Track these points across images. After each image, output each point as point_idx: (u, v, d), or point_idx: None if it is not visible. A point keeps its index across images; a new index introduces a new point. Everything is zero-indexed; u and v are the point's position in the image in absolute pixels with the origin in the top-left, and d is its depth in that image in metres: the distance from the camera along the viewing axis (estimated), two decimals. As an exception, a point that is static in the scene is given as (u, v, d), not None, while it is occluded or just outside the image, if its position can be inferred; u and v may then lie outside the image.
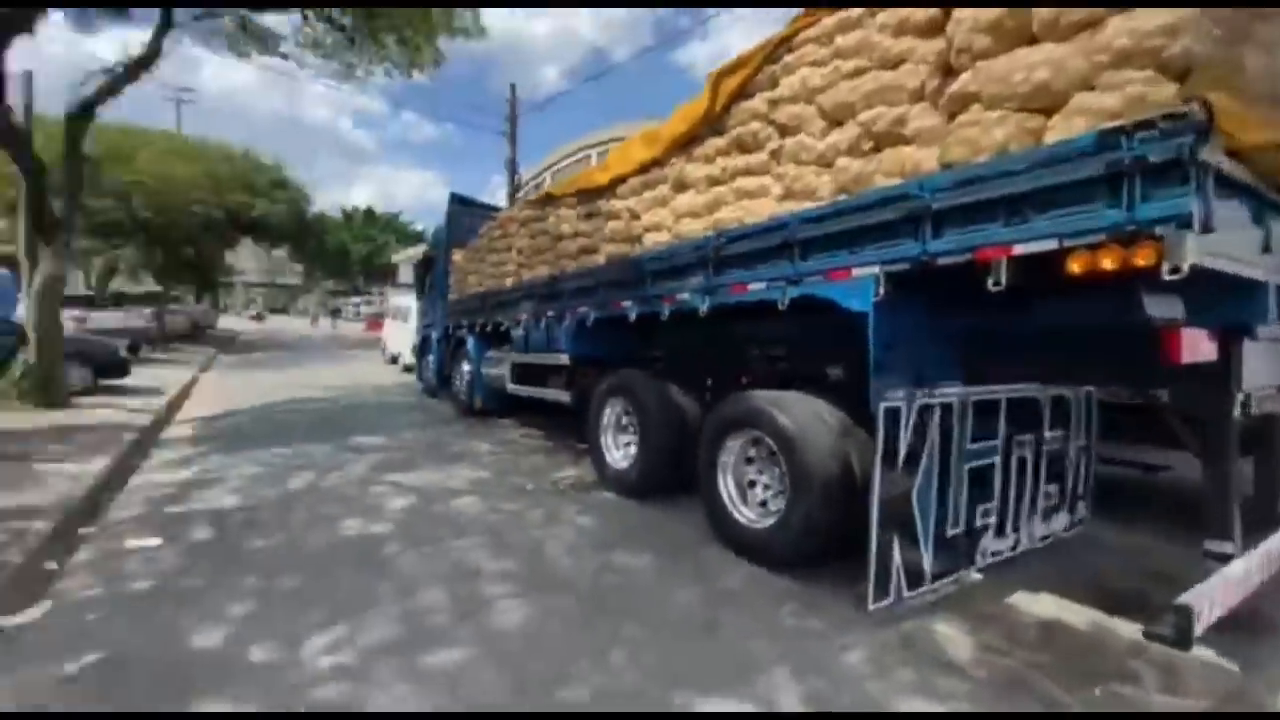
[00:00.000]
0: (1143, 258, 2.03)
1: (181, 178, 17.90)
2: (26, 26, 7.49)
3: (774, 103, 3.59)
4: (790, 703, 2.40)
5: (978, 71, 2.56)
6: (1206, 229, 2.00)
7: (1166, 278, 1.98)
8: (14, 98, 8.86)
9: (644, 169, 4.70)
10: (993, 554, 3.35)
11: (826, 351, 3.96)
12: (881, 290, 2.92)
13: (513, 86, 18.24)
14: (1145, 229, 2.03)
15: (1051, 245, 2.27)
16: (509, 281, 7.11)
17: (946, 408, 3.03)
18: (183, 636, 2.80)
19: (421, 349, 11.31)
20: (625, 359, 5.42)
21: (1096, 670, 2.63)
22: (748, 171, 3.79)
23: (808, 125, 3.38)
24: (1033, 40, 2.42)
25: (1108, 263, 2.11)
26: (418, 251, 17.27)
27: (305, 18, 10.68)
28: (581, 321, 5.40)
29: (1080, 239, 2.20)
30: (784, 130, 3.55)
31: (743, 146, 3.82)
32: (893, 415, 2.84)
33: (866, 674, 2.61)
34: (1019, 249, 2.38)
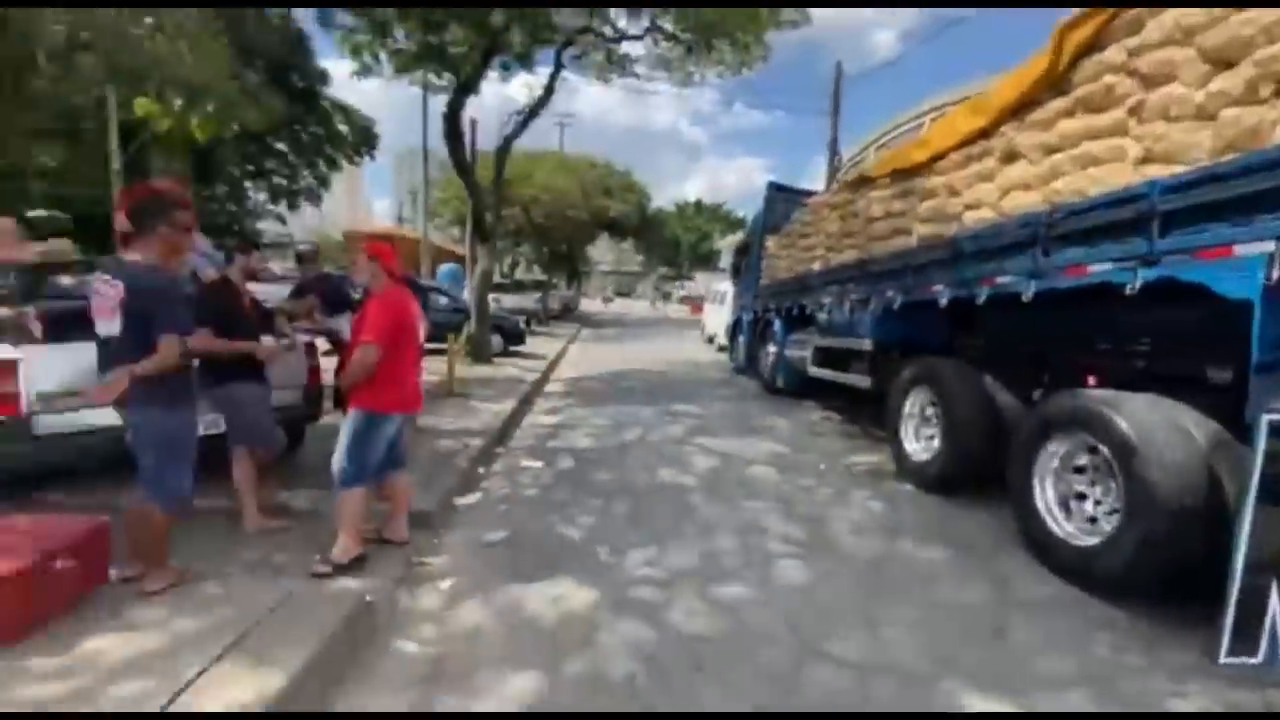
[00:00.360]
0: None
1: (562, 189, 22.57)
2: (475, 89, 10.48)
3: (1135, 51, 2.99)
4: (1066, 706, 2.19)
5: None
6: None
7: None
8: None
9: (968, 141, 4.35)
10: None
11: (1197, 348, 3.20)
12: (1276, 273, 2.28)
13: (838, 65, 17.80)
14: None
15: None
16: (816, 266, 7.27)
17: None
18: (554, 529, 3.89)
19: (734, 330, 12.21)
20: (933, 346, 5.13)
21: None
22: (1094, 135, 3.23)
23: (1183, 72, 2.75)
24: None
25: None
26: (737, 238, 18.40)
27: (655, 41, 12.36)
28: (888, 306, 5.28)
29: None
30: (1148, 82, 2.94)
31: (1091, 106, 3.27)
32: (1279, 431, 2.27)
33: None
34: None
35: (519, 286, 24.81)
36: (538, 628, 2.76)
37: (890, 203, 5.50)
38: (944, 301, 4.43)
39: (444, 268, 16.15)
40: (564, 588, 3.11)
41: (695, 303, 31.26)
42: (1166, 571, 2.81)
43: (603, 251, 62.33)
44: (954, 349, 5.04)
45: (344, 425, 3.15)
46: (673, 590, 3.12)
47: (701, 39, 11.36)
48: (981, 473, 4.29)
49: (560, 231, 25.38)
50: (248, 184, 23.09)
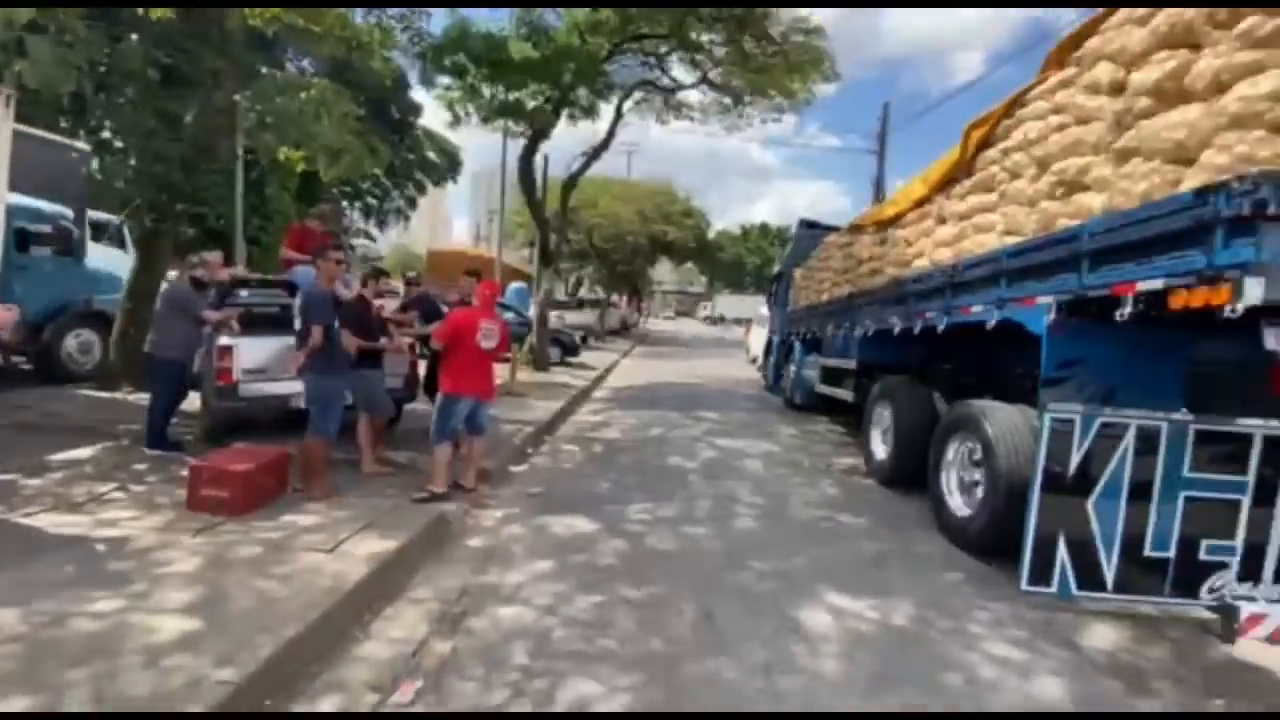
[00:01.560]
0: (1217, 298, 2.34)
1: (622, 215, 24.35)
2: (547, 136, 12.22)
3: (1005, 151, 4.11)
4: (897, 614, 3.30)
5: (1140, 129, 2.90)
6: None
7: (1228, 315, 2.28)
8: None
9: (917, 204, 5.48)
10: (1235, 597, 3.31)
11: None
12: (1053, 315, 3.37)
13: (886, 106, 18.72)
14: (1221, 272, 2.33)
15: (1162, 283, 2.62)
16: (824, 297, 8.39)
17: (1149, 430, 3.27)
18: (581, 487, 5.26)
19: (766, 351, 13.30)
20: (900, 367, 6.18)
21: (1244, 695, 2.70)
22: (984, 209, 4.34)
23: (1024, 171, 3.85)
24: (1186, 101, 2.71)
25: (1195, 300, 2.44)
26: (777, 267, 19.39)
27: (704, 92, 13.79)
28: (865, 332, 6.39)
29: (1182, 279, 2.53)
30: (1011, 175, 4.05)
31: (982, 188, 4.38)
32: (1063, 424, 3.31)
33: (985, 621, 3.26)
34: (1143, 286, 2.74)
35: (581, 304, 26.65)
36: (557, 539, 4.12)
37: (873, 248, 6.63)
38: (896, 330, 5.53)
39: (512, 286, 18.03)
40: (578, 520, 4.46)
41: (747, 325, 32.11)
42: (1007, 531, 3.83)
43: (665, 272, 64.01)
44: (914, 369, 6.07)
45: (435, 404, 4.65)
46: (654, 527, 4.41)
47: (746, 90, 12.71)
48: (920, 468, 5.32)
49: (620, 253, 27.15)
50: (344, 204, 26.01)
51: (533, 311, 14.00)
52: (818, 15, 11.24)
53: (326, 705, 2.37)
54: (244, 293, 6.21)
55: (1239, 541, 3.34)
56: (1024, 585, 3.44)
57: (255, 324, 5.31)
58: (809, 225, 11.44)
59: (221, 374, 4.90)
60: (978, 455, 4.18)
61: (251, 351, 5.05)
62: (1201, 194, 2.45)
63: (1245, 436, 3.27)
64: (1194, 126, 2.61)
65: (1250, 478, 3.30)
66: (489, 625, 2.99)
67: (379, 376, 5.05)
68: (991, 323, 4.01)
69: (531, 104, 11.11)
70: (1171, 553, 3.35)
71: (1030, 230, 3.75)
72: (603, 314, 25.12)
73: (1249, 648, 3.09)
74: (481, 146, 22.81)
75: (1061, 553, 3.43)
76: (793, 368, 10.34)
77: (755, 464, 6.45)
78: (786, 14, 10.93)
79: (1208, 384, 3.26)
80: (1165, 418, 3.25)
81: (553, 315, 15.15)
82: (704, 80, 12.90)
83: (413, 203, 27.43)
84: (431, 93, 11.70)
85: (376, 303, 5.35)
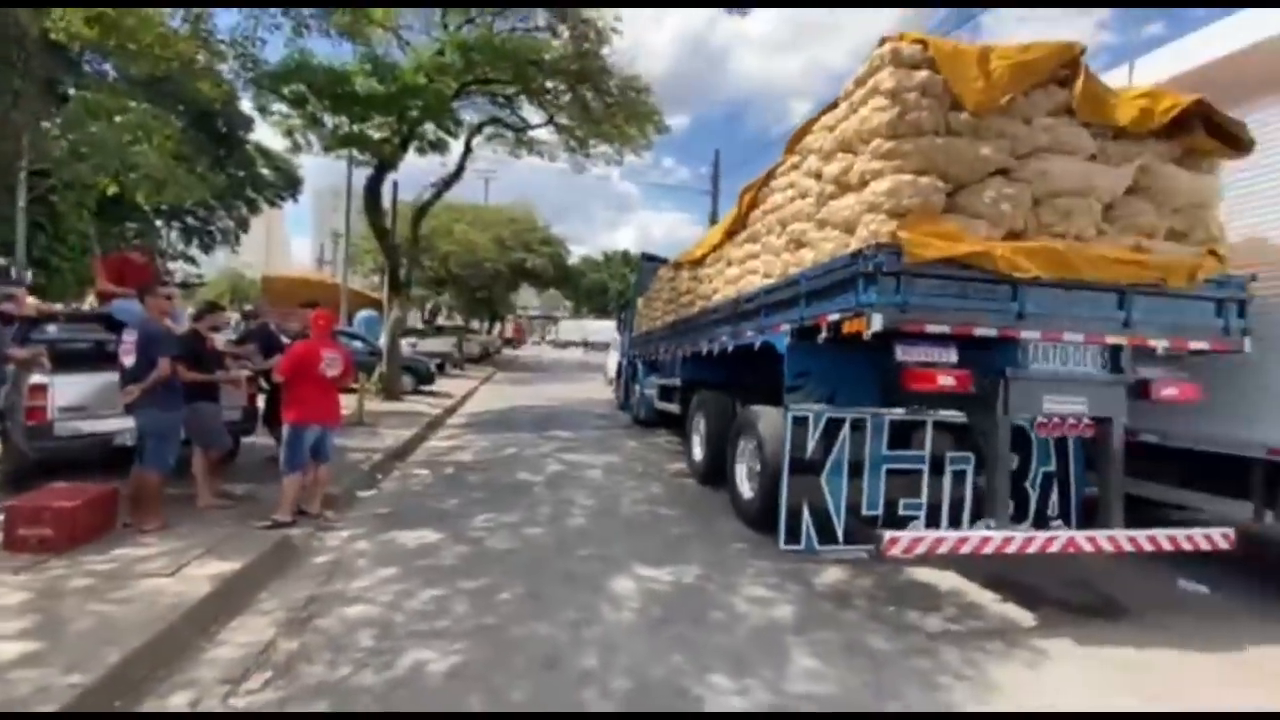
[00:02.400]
0: (861, 326, 3.49)
1: (478, 243, 24.53)
2: (393, 168, 12.36)
3: (764, 212, 5.34)
4: (687, 576, 4.18)
5: (829, 206, 4.11)
6: (903, 309, 3.40)
7: (865, 337, 3.43)
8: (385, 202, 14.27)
9: (715, 249, 6.67)
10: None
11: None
12: (788, 339, 4.51)
13: (717, 153, 20.93)
14: (862, 309, 3.50)
15: (836, 316, 3.78)
16: (658, 324, 9.49)
17: (858, 421, 4.43)
18: (429, 506, 5.66)
19: (618, 373, 14.32)
20: (709, 383, 7.32)
21: (911, 604, 3.87)
22: (753, 256, 5.55)
23: (774, 230, 5.07)
24: (848, 190, 3.94)
25: (851, 328, 3.59)
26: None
27: (558, 127, 14.63)
28: (684, 354, 7.47)
29: (846, 313, 3.69)
30: (767, 231, 5.27)
31: (752, 239, 5.60)
32: (800, 420, 4.39)
33: (751, 575, 4.24)
34: (829, 318, 3.90)
35: (439, 331, 26.19)
36: (402, 550, 4.54)
37: (690, 282, 7.78)
38: (704, 352, 6.62)
39: (361, 314, 17.50)
40: (423, 533, 4.90)
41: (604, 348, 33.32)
42: (774, 506, 4.89)
43: (530, 297, 64.04)
44: (721, 384, 7.22)
45: (284, 435, 4.85)
46: (494, 532, 4.97)
47: (590, 134, 13.79)
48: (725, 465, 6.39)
49: (477, 280, 27.21)
50: (159, 223, 23.21)
51: (384, 340, 13.83)
52: (645, 77, 12.51)
53: (178, 701, 2.68)
54: (51, 328, 5.88)
55: (924, 500, 4.64)
56: (781, 545, 4.45)
57: (70, 360, 5.13)
58: (649, 258, 12.65)
59: (33, 413, 4.71)
60: (755, 449, 5.28)
61: (68, 389, 4.90)
62: (853, 256, 3.62)
63: (921, 423, 4.59)
64: (853, 209, 3.81)
65: (927, 453, 4.62)
66: (336, 623, 3.40)
67: (215, 410, 5.12)
68: (757, 345, 5.15)
69: (377, 135, 11.25)
70: (880, 511, 4.56)
71: (777, 274, 4.93)
72: (461, 340, 24.94)
73: (928, 573, 4.36)
74: (322, 163, 21.89)
75: (806, 518, 4.50)
76: (637, 387, 11.36)
77: (596, 474, 7.22)
78: (619, 73, 12.19)
79: (891, 385, 4.52)
80: (869, 412, 4.46)
81: (405, 343, 15.02)
82: (551, 121, 13.80)
83: (244, 224, 25.22)
84: (268, 119, 11.41)
85: (211, 335, 5.41)
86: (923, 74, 3.64)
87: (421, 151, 12.26)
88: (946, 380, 3.62)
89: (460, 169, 13.57)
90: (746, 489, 5.46)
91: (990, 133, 3.72)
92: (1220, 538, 3.81)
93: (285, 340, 6.28)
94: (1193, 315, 3.96)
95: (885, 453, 4.52)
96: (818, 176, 4.32)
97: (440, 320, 31.50)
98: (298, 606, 3.57)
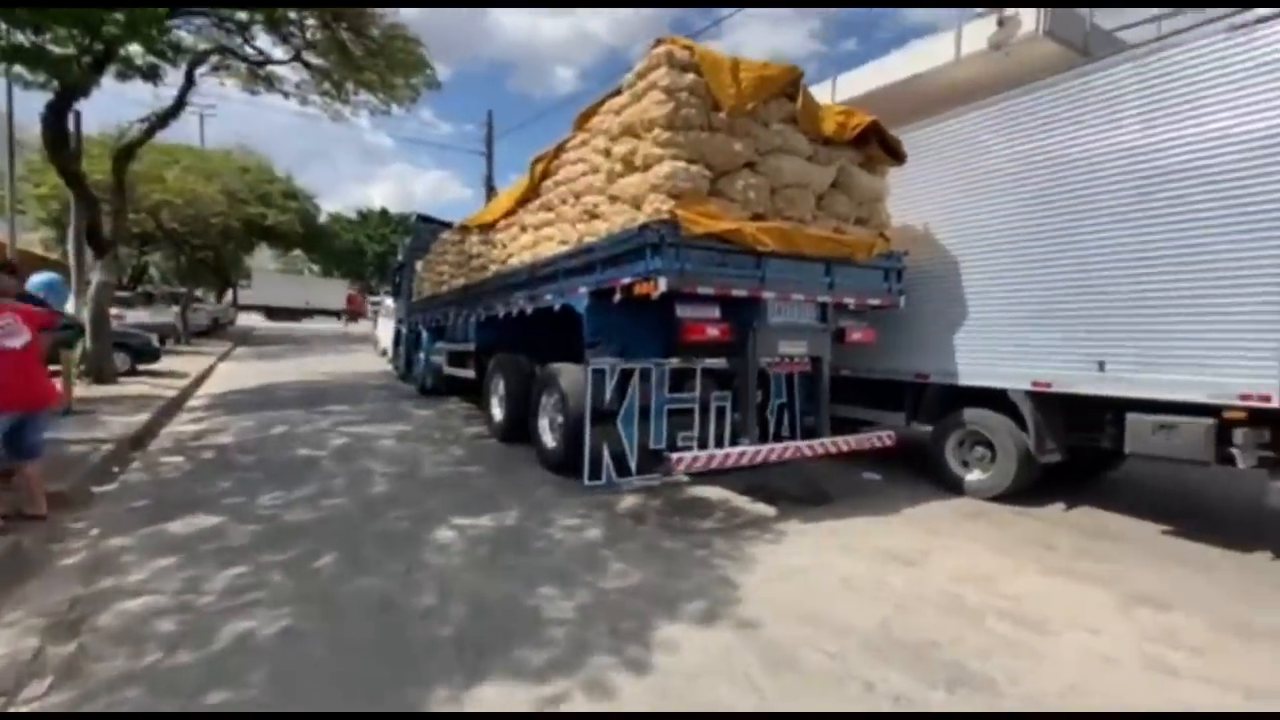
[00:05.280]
0: (650, 289, 4.17)
1: (202, 193, 20.43)
2: (85, 94, 9.85)
3: (556, 183, 5.77)
4: (507, 519, 4.56)
5: (619, 183, 4.70)
6: (682, 274, 4.14)
7: (654, 297, 4.12)
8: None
9: (507, 215, 6.90)
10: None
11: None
12: (587, 301, 5.07)
13: (490, 114, 20.49)
14: (651, 274, 4.18)
15: (629, 280, 4.43)
16: (444, 288, 9.34)
17: (645, 371, 5.13)
18: (197, 491, 5.06)
19: (395, 341, 13.61)
20: (506, 346, 7.60)
21: (691, 514, 4.78)
22: (547, 224, 5.96)
23: (567, 200, 5.55)
24: (634, 170, 4.56)
25: (642, 290, 4.26)
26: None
27: (307, 65, 12.91)
28: (478, 319, 7.59)
29: (637, 277, 4.35)
30: (560, 201, 5.73)
31: (545, 207, 6.00)
32: (599, 373, 4.95)
33: (563, 510, 4.76)
34: (622, 281, 4.53)
35: (149, 299, 21.44)
36: (178, 538, 4.09)
37: (480, 247, 7.86)
38: (500, 315, 6.87)
39: (38, 278, 13.63)
40: (199, 518, 4.44)
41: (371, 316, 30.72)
42: (577, 450, 5.47)
43: (267, 259, 55.18)
44: (518, 346, 7.56)
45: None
46: (289, 508, 4.72)
47: (350, 78, 12.50)
48: (526, 422, 6.79)
49: (202, 239, 22.79)
50: None
51: (71, 308, 11.09)
52: (414, 25, 11.83)
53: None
54: None
55: (695, 434, 5.61)
56: (585, 482, 5.08)
57: None
58: (425, 220, 12.19)
59: None
60: (557, 402, 5.78)
61: None
62: (642, 229, 4.27)
63: (693, 370, 5.53)
64: (639, 187, 4.45)
65: (697, 395, 5.57)
66: (116, 619, 3.06)
67: None
68: (557, 307, 5.61)
69: (60, 52, 8.83)
70: (664, 445, 5.41)
71: (573, 242, 5.42)
72: (184, 310, 20.85)
73: (702, 490, 5.37)
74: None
75: (605, 458, 5.17)
76: (421, 354, 11.02)
77: (389, 443, 7.05)
78: (384, 17, 11.27)
79: (671, 339, 5.36)
80: (654, 362, 5.23)
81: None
82: (298, 58, 12.17)
83: None
84: None
85: None
86: (691, 76, 4.37)
87: (125, 77, 9.94)
88: (713, 332, 4.51)
89: (180, 103, 11.25)
90: (550, 439, 5.95)
91: (741, 132, 4.62)
92: (886, 438, 5.43)
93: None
94: (871, 281, 5.45)
95: (667, 396, 5.38)
96: (607, 154, 4.86)
97: (150, 288, 25.70)
98: (59, 611, 3.12)
